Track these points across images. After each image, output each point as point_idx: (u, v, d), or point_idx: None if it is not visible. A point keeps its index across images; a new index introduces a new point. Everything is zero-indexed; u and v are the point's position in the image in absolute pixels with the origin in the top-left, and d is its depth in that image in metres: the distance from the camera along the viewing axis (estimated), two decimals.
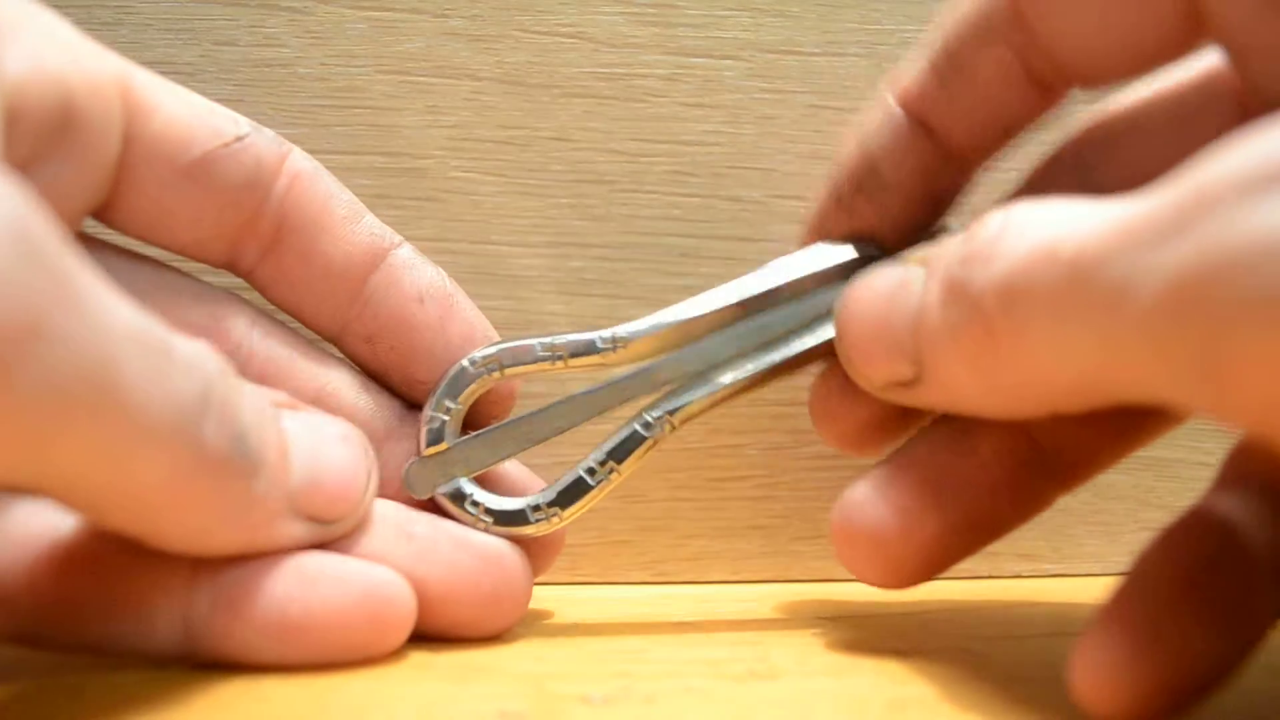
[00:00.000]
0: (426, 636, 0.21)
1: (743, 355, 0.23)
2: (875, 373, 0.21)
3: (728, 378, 0.23)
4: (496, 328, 0.24)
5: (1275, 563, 0.19)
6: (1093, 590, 0.21)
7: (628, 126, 0.28)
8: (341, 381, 0.23)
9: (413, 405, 0.24)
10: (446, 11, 0.27)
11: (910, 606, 0.25)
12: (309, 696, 0.18)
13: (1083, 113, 0.23)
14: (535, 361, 0.23)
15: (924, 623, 0.25)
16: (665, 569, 0.28)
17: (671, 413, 0.23)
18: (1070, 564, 0.30)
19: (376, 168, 0.27)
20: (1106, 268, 0.15)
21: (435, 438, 0.23)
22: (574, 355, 0.23)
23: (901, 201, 0.23)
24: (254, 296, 0.23)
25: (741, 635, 0.23)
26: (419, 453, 0.23)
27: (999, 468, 0.21)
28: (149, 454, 0.16)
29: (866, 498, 0.21)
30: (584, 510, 0.23)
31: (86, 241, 0.21)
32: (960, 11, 0.22)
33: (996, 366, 0.18)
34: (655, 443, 0.23)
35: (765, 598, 0.27)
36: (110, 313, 0.16)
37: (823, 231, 0.24)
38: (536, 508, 0.23)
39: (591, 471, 0.23)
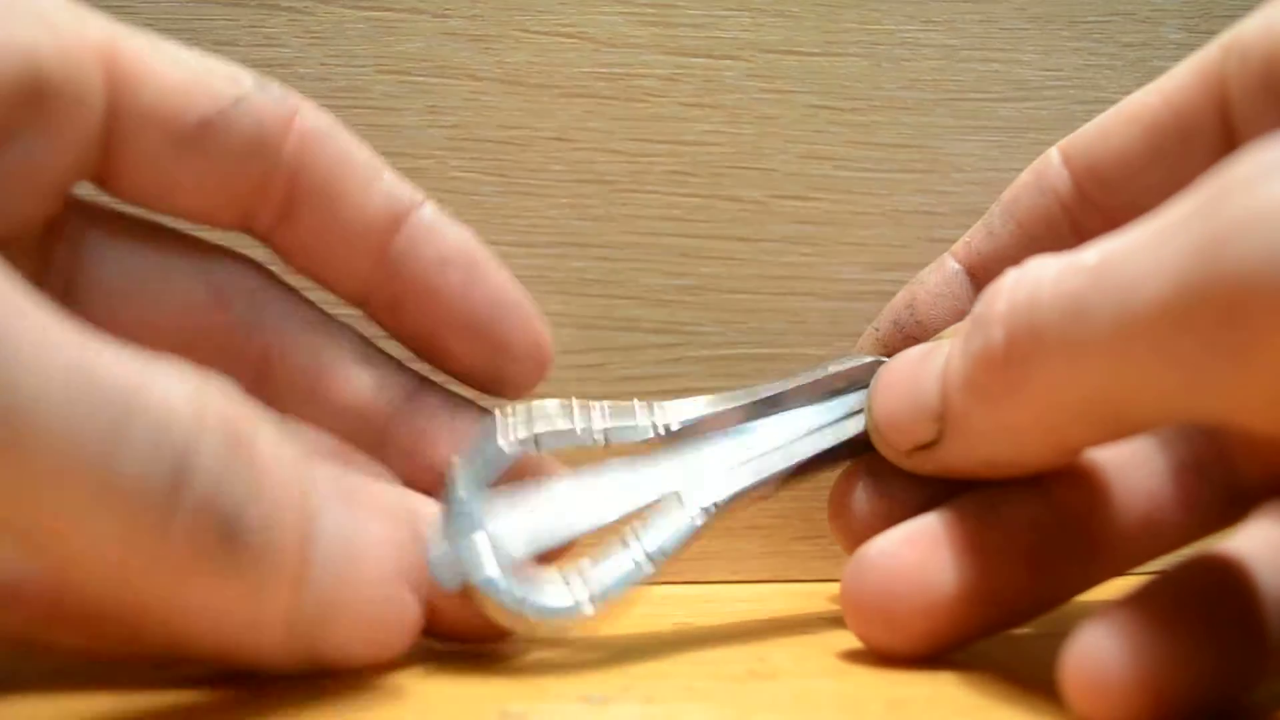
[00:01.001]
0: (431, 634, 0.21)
1: (782, 445, 0.23)
2: (901, 437, 0.21)
3: (773, 467, 0.23)
4: None
5: None
6: (1092, 590, 0.21)
7: (628, 126, 0.28)
8: (341, 356, 0.22)
9: (425, 381, 0.23)
10: (446, 11, 0.27)
11: None
12: (310, 697, 0.18)
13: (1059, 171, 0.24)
14: (575, 441, 0.22)
15: None
16: (665, 569, 0.28)
17: (721, 504, 0.22)
18: None
19: None
20: (1127, 264, 0.15)
21: (465, 524, 0.20)
22: (617, 438, 0.22)
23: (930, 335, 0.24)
24: (262, 255, 0.22)
25: (741, 635, 0.23)
26: (444, 535, 0.20)
27: (1023, 536, 0.21)
28: (88, 523, 0.14)
29: (880, 551, 0.21)
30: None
31: (82, 213, 0.21)
32: (1021, 176, 0.24)
33: (1010, 399, 0.18)
34: (703, 531, 0.22)
35: (765, 598, 0.27)
36: (39, 348, 0.14)
37: (869, 348, 0.26)
38: (582, 603, 0.20)
39: (641, 564, 0.21)
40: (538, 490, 0.21)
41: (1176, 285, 0.14)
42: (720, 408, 0.23)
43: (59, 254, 0.21)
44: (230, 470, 0.15)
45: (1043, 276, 0.17)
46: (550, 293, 0.28)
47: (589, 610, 0.20)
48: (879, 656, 0.21)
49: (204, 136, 0.20)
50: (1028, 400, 0.18)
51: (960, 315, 0.24)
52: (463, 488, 0.20)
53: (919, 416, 0.21)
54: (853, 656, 0.21)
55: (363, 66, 0.27)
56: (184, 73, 0.20)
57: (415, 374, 0.23)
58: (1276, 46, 0.19)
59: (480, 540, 0.20)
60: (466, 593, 0.20)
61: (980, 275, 0.25)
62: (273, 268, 0.23)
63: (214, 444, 0.15)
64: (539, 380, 0.23)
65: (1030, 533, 0.21)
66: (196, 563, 0.15)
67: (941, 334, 0.23)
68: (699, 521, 0.21)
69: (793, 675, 0.20)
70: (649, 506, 0.21)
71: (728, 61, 0.28)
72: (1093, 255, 0.16)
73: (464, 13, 0.28)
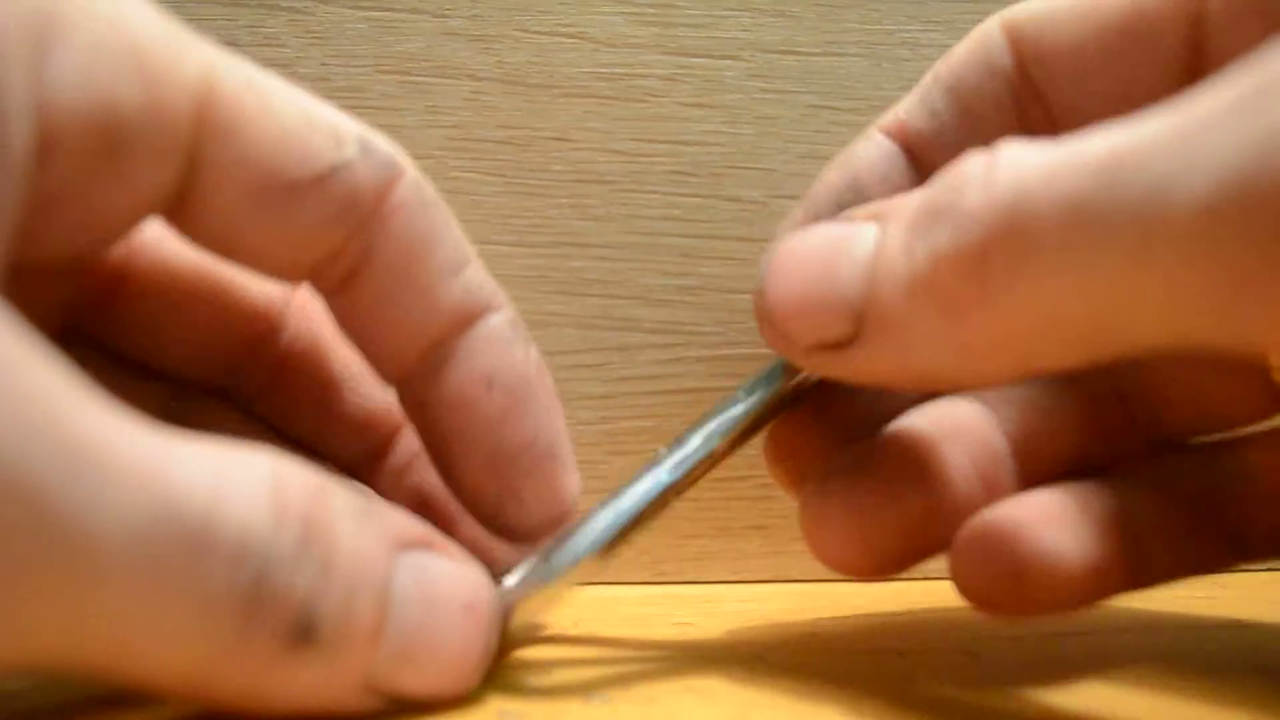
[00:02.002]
0: None
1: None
2: (802, 328, 0.18)
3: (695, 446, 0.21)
4: None
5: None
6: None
7: (628, 126, 0.28)
8: (361, 369, 0.22)
9: None
10: (446, 11, 0.27)
11: (910, 606, 0.25)
12: None
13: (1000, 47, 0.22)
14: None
15: (924, 623, 0.25)
16: (665, 569, 0.28)
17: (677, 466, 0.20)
18: None
19: None
20: (1146, 169, 0.13)
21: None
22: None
23: None
24: None
25: (741, 635, 0.23)
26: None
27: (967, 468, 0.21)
28: (167, 640, 0.14)
29: (842, 468, 0.21)
30: None
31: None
32: (958, 50, 0.22)
33: (981, 311, 0.15)
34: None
35: (765, 598, 0.27)
36: (120, 474, 0.13)
37: None
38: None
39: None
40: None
41: (1220, 186, 0.13)
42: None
43: (111, 256, 0.20)
44: (307, 563, 0.15)
45: (1025, 169, 0.15)
46: (550, 293, 0.28)
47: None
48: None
49: (291, 202, 0.18)
50: (1003, 313, 0.15)
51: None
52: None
53: (830, 308, 0.18)
54: (853, 656, 0.21)
55: (363, 66, 0.27)
56: (282, 127, 0.18)
57: None
58: None
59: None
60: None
61: (921, 158, 0.22)
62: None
63: (291, 542, 0.15)
64: (546, 535, 0.20)
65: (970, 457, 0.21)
66: (274, 660, 0.15)
67: (851, 212, 0.19)
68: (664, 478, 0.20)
69: (793, 675, 0.20)
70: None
71: (728, 61, 0.28)
72: (1095, 150, 0.14)
73: (464, 13, 0.28)
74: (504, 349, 0.20)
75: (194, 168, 0.17)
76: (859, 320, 0.17)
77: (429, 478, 0.22)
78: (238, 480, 0.14)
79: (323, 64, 0.27)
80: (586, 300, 0.28)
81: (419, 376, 0.20)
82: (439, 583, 0.17)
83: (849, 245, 0.18)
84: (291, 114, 0.18)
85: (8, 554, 0.13)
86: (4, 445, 0.12)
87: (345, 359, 0.22)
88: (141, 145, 0.16)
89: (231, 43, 0.27)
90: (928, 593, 0.26)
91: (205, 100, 0.17)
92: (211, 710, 0.15)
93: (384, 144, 0.19)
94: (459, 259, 0.20)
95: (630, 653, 0.21)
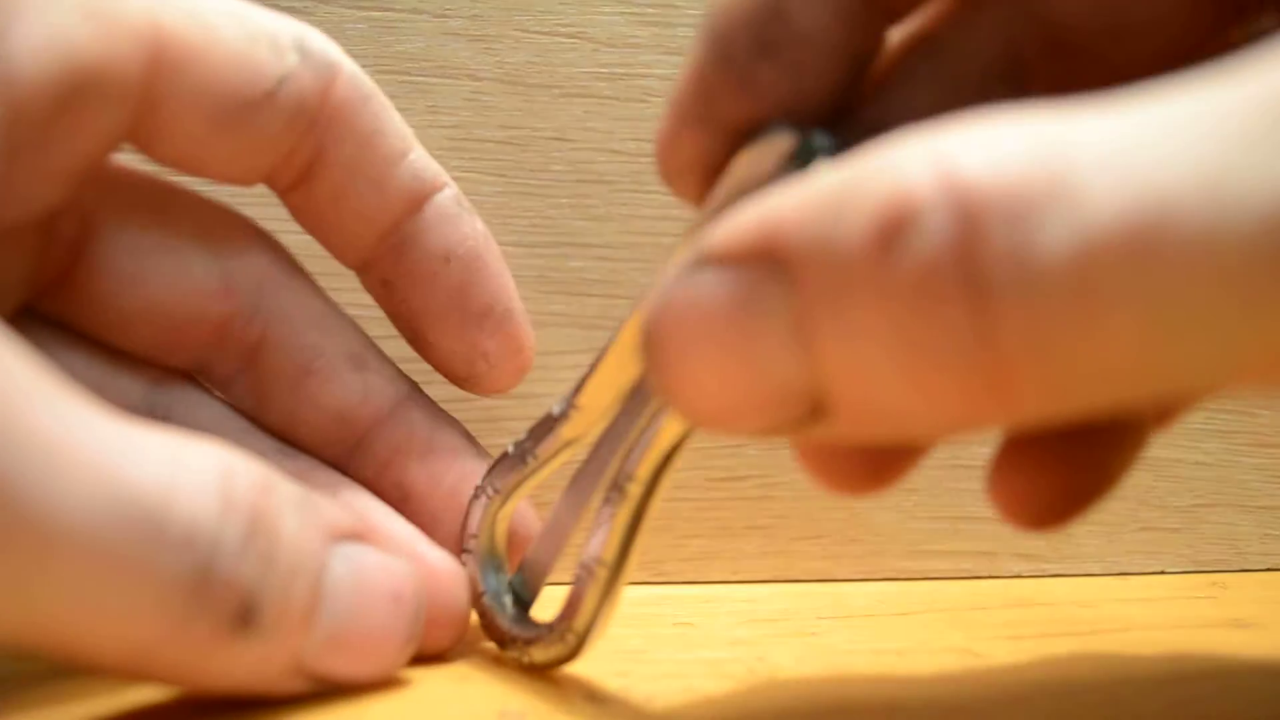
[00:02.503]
0: None
1: None
2: (740, 427, 0.13)
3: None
4: None
5: None
6: (1092, 590, 0.21)
7: (628, 126, 0.28)
8: (335, 359, 0.22)
9: (414, 392, 0.23)
10: (446, 11, 0.27)
11: (910, 606, 0.25)
12: (309, 696, 0.18)
13: None
14: (515, 470, 0.21)
15: (924, 623, 0.25)
16: (665, 569, 0.28)
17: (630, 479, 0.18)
18: (1070, 564, 0.30)
19: None
20: (1228, 178, 0.10)
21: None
22: (538, 439, 0.20)
23: (822, 62, 0.16)
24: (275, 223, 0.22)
25: (741, 635, 0.23)
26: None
27: None
28: (115, 618, 0.15)
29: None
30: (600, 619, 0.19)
31: (95, 186, 0.20)
32: None
33: (996, 391, 0.11)
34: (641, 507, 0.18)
35: (765, 598, 0.27)
36: (74, 461, 0.14)
37: (708, 123, 0.16)
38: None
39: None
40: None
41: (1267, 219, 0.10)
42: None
43: (65, 227, 0.20)
44: (251, 553, 0.15)
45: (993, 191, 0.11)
46: (550, 293, 0.28)
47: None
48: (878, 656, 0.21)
49: (245, 119, 0.19)
50: (1023, 386, 0.11)
51: (844, 17, 0.16)
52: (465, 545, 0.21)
53: (768, 402, 0.13)
54: (853, 656, 0.21)
55: (363, 66, 0.27)
56: (228, 49, 0.19)
57: (406, 382, 0.23)
58: None
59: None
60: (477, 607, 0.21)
61: None
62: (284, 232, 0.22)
63: (237, 533, 0.15)
64: (513, 386, 0.23)
65: None
66: (214, 642, 0.15)
67: (737, 227, 0.13)
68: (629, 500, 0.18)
69: (793, 675, 0.20)
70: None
71: None
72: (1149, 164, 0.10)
73: (464, 13, 0.28)
74: (455, 224, 0.22)
75: (150, 105, 0.19)
76: (815, 399, 0.12)
77: (410, 474, 0.22)
78: (190, 471, 0.15)
79: None
80: (586, 300, 0.28)
81: (379, 259, 0.22)
82: (369, 573, 0.18)
83: (762, 313, 0.12)
84: (233, 34, 0.19)
85: None
86: None
87: (316, 346, 0.22)
88: (97, 90, 0.18)
89: None
90: (928, 593, 0.26)
91: (153, 36, 0.18)
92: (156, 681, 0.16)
93: (319, 42, 0.20)
94: (403, 145, 0.21)
95: (630, 653, 0.21)
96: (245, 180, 0.21)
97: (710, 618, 0.25)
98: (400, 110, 0.27)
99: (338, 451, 0.23)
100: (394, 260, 0.22)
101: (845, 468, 0.18)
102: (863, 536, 0.29)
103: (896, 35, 0.18)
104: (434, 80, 0.27)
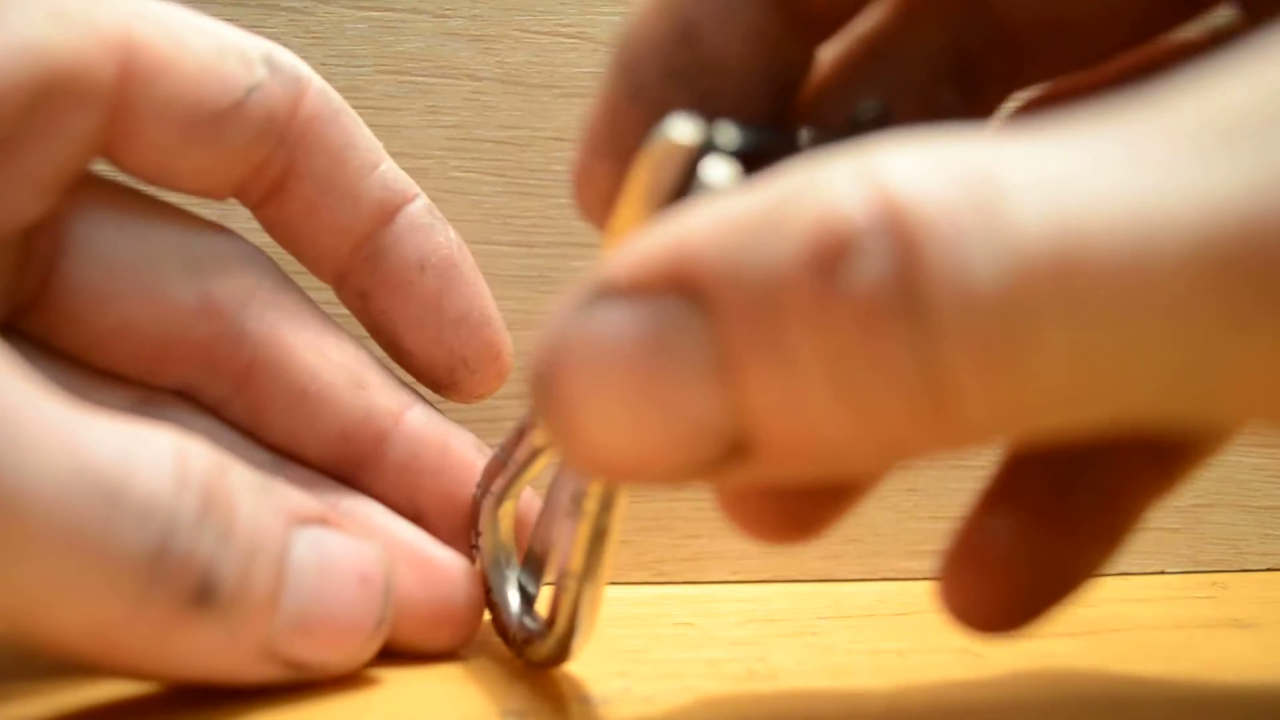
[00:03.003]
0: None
1: None
2: (652, 475, 0.12)
3: None
4: None
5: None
6: (1093, 590, 0.21)
7: None
8: (333, 382, 0.21)
9: (419, 405, 0.22)
10: (446, 11, 0.27)
11: (910, 606, 0.25)
12: (309, 696, 0.18)
13: None
14: (500, 472, 0.21)
15: (924, 623, 0.25)
16: (665, 569, 0.28)
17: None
18: None
19: None
20: (1159, 199, 0.10)
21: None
22: (514, 445, 0.20)
23: (739, 89, 0.16)
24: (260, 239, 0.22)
25: (741, 635, 0.23)
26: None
27: None
28: (74, 593, 0.15)
29: None
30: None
31: (70, 201, 0.20)
32: None
33: (936, 420, 0.11)
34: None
35: (765, 598, 0.27)
36: (36, 435, 0.14)
37: (622, 155, 0.16)
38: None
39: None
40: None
41: (1221, 231, 0.10)
42: None
43: (41, 246, 0.20)
44: (207, 529, 0.16)
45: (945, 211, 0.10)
46: (550, 293, 0.28)
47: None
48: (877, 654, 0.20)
49: (215, 130, 0.20)
50: (968, 410, 0.11)
51: (761, 40, 0.15)
52: (473, 540, 0.21)
53: (683, 442, 0.12)
54: (853, 656, 0.21)
55: (363, 66, 0.27)
56: (198, 61, 0.19)
57: (411, 395, 0.22)
58: None
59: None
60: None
61: None
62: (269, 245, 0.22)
63: (192, 509, 0.16)
64: (495, 390, 0.23)
65: None
66: (175, 620, 0.16)
67: (647, 248, 0.12)
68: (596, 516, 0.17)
69: (793, 675, 0.20)
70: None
71: None
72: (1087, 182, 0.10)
73: (464, 13, 0.27)
74: (428, 234, 0.22)
75: (121, 113, 0.19)
76: (735, 438, 0.12)
77: (425, 490, 0.22)
78: (146, 449, 0.15)
79: (323, 64, 0.27)
80: None
81: (354, 270, 0.22)
82: (335, 555, 0.18)
83: (678, 349, 0.11)
84: (203, 46, 0.20)
85: None
86: None
87: (312, 369, 0.21)
88: (69, 92, 0.18)
89: None
90: (928, 593, 0.26)
91: (125, 43, 0.19)
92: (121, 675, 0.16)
93: (287, 57, 0.21)
94: (374, 158, 0.22)
95: (630, 653, 0.21)
96: (217, 193, 0.21)
97: (710, 618, 0.25)
98: (400, 110, 0.27)
99: (344, 470, 0.22)
100: (369, 271, 0.22)
101: (769, 513, 0.17)
102: (863, 536, 0.29)
103: (830, 50, 0.17)
104: (434, 80, 0.27)
